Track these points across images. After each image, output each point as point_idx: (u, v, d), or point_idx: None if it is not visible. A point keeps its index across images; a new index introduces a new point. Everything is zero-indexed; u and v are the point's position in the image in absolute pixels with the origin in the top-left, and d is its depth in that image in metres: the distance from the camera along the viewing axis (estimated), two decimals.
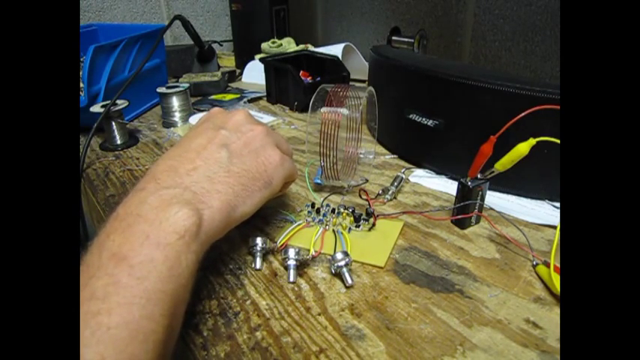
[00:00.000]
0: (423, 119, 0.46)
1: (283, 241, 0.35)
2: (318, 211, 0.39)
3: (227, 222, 0.28)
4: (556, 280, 0.29)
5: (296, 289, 0.31)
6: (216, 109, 0.37)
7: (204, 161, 0.29)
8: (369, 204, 0.39)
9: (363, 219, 0.38)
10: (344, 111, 0.39)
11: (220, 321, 0.28)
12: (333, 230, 0.37)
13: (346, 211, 0.38)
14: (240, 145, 0.32)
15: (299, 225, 0.37)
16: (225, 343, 0.27)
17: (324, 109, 0.40)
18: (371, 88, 0.43)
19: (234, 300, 0.30)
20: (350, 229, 0.37)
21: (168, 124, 0.66)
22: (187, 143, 0.31)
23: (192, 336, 0.27)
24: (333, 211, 0.39)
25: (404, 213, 0.39)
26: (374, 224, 0.37)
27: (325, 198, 0.42)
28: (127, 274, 0.21)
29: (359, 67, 0.87)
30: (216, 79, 0.84)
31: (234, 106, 0.74)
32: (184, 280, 0.24)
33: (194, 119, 0.62)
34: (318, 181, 0.44)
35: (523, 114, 0.32)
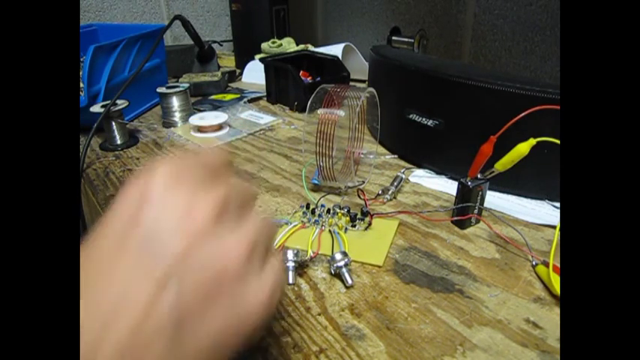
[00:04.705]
0: (423, 119, 0.46)
1: (280, 242, 0.35)
2: (313, 212, 0.39)
3: None
4: (555, 280, 0.29)
5: (296, 289, 0.31)
6: (136, 183, 0.18)
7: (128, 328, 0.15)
8: (365, 203, 0.39)
9: (359, 219, 0.38)
10: (340, 112, 0.39)
11: None
12: (330, 230, 0.37)
13: (341, 211, 0.38)
14: (196, 283, 0.16)
15: (295, 226, 0.37)
16: None
17: (321, 110, 0.40)
18: (372, 89, 0.43)
19: None
20: (346, 229, 0.37)
21: (168, 124, 0.66)
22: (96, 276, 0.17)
23: None
24: (328, 211, 0.39)
25: (400, 212, 0.39)
26: (370, 223, 0.37)
27: (320, 198, 0.42)
28: None
29: (359, 67, 0.87)
30: (216, 79, 0.84)
31: (234, 106, 0.74)
32: None
33: (194, 119, 0.62)
34: (316, 182, 0.44)
35: (523, 114, 0.32)
